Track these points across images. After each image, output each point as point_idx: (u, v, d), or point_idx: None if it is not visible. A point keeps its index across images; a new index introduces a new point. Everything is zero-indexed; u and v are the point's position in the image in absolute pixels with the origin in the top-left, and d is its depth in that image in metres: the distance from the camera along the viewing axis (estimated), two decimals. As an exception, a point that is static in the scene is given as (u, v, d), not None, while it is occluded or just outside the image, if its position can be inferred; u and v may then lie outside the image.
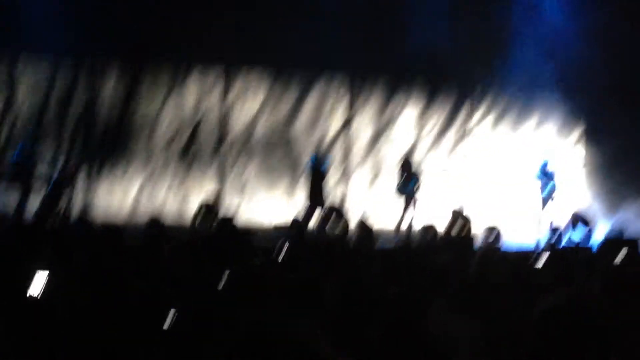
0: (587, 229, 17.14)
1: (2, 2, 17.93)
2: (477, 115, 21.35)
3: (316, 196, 17.94)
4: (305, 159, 18.97)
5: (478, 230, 17.14)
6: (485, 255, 11.46)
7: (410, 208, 17.99)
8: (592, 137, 21.09)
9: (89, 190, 19.33)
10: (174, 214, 19.16)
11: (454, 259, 7.70)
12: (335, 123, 20.90)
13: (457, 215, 17.01)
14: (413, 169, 18.18)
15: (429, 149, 21.12)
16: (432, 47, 19.26)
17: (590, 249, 16.53)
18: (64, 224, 15.65)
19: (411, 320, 4.65)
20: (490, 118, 21.30)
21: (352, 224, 17.32)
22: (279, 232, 17.65)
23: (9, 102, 18.95)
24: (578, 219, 17.25)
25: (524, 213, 19.05)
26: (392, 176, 18.84)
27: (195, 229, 17.02)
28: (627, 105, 19.93)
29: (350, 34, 19.35)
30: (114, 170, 19.53)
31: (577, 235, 17.05)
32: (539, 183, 18.64)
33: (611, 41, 19.45)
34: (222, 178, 20.20)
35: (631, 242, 14.89)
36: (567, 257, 12.06)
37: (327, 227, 17.17)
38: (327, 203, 17.88)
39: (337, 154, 20.75)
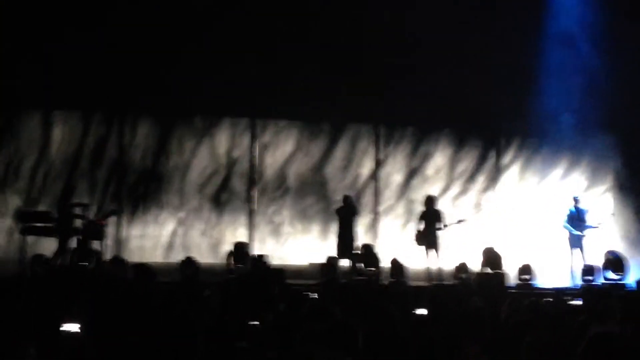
0: (621, 267, 16.98)
1: (36, 59, 18.14)
2: (506, 160, 21.27)
3: (348, 238, 17.92)
4: (336, 202, 18.99)
5: (511, 269, 17.15)
6: (518, 294, 11.40)
7: (441, 248, 17.89)
8: (621, 185, 20.96)
9: (123, 234, 19.47)
10: (208, 256, 19.23)
11: (487, 301, 7.65)
12: (366, 168, 20.91)
13: (489, 253, 16.96)
14: (440, 211, 18.08)
15: (459, 193, 21.08)
16: (460, 94, 19.33)
17: (625, 286, 16.40)
18: (99, 267, 15.75)
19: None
20: (520, 163, 21.21)
21: (385, 265, 17.38)
22: (313, 270, 17.71)
23: (44, 152, 19.17)
24: (612, 258, 17.11)
25: (556, 254, 18.90)
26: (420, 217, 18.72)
27: (229, 269, 17.13)
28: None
29: (376, 85, 19.47)
30: (147, 215, 19.65)
31: (612, 274, 16.89)
32: (571, 223, 18.50)
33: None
34: (254, 221, 20.26)
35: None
36: (605, 295, 11.99)
37: (360, 268, 17.17)
38: (360, 244, 17.84)
39: (368, 196, 20.76)
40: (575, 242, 17.92)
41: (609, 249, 17.65)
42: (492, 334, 6.41)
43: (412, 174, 20.96)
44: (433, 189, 20.40)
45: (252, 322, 6.98)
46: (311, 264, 18.19)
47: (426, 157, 21.00)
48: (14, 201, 18.87)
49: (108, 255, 16.66)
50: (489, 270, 16.59)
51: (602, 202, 20.83)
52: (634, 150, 20.08)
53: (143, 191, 19.70)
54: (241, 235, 19.84)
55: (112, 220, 17.76)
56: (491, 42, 19.31)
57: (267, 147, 20.36)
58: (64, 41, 17.99)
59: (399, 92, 19.49)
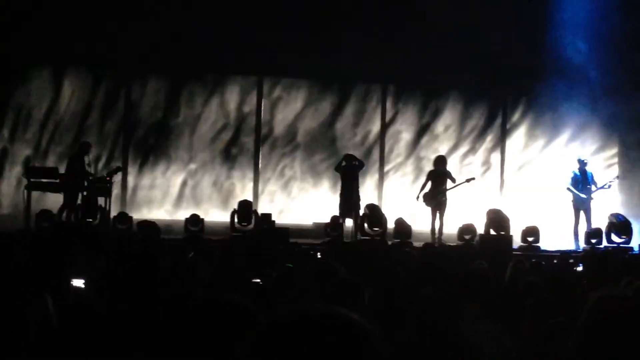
0: (625, 230, 16.98)
1: (47, 15, 18.27)
2: (515, 118, 21.23)
3: (353, 196, 17.88)
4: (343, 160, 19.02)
5: (516, 231, 17.16)
6: (523, 256, 11.44)
7: (446, 209, 17.85)
8: (627, 149, 20.89)
9: (131, 185, 19.63)
10: (216, 210, 19.34)
11: (491, 263, 7.66)
12: (376, 125, 20.90)
13: (494, 215, 16.96)
14: (449, 172, 18.00)
15: (465, 154, 21.05)
16: (469, 53, 19.29)
17: (629, 249, 16.44)
18: (104, 223, 15.82)
19: (443, 323, 4.66)
20: (527, 124, 21.16)
21: (390, 224, 17.39)
22: (318, 230, 17.75)
23: (54, 105, 19.32)
24: (616, 221, 17.10)
25: (561, 218, 18.90)
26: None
27: (234, 227, 17.19)
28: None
29: (386, 45, 19.44)
30: (156, 168, 19.77)
31: (616, 237, 16.90)
32: (575, 186, 18.45)
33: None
34: (265, 175, 20.34)
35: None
36: (609, 258, 12.02)
37: (366, 227, 17.19)
38: (364, 204, 17.81)
39: (378, 153, 20.77)
40: (580, 204, 17.90)
41: (613, 212, 17.64)
42: (495, 295, 6.43)
43: (422, 131, 20.93)
44: (442, 148, 20.44)
45: (254, 280, 7.01)
46: (315, 224, 18.23)
47: (436, 114, 20.96)
48: (24, 151, 19.08)
49: (114, 212, 16.75)
50: (493, 232, 16.63)
51: (608, 165, 20.79)
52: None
53: (153, 144, 19.81)
54: (250, 190, 19.97)
55: (117, 177, 17.79)
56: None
57: (276, 103, 20.39)
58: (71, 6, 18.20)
59: (407, 51, 19.43)
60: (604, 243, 16.75)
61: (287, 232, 15.83)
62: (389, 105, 20.88)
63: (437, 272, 7.06)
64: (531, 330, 5.19)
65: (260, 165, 20.28)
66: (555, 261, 12.00)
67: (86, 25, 18.14)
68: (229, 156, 20.22)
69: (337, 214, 17.40)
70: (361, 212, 17.20)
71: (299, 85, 20.45)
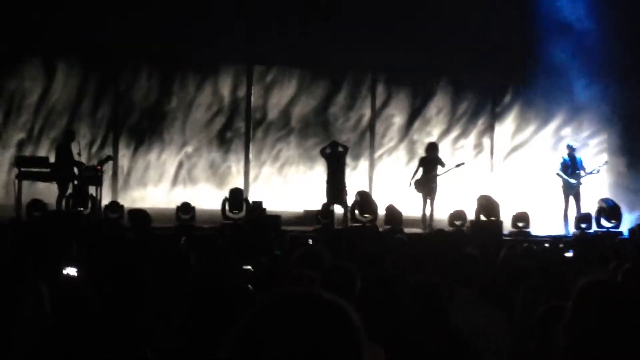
0: (615, 215, 17.04)
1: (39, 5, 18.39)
2: (505, 105, 21.22)
3: (339, 182, 17.88)
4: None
5: (506, 217, 17.22)
6: (514, 242, 11.49)
7: (436, 196, 17.87)
8: (615, 135, 20.90)
9: (123, 176, 19.68)
10: (210, 196, 19.35)
11: (482, 249, 7.70)
12: (368, 110, 20.92)
13: (484, 201, 17.01)
14: (439, 158, 18.01)
15: (455, 140, 21.07)
16: (460, 45, 19.34)
17: (618, 234, 16.50)
18: (95, 212, 15.81)
19: (435, 307, 4.68)
20: (517, 110, 21.15)
21: (381, 211, 17.41)
22: (309, 217, 17.75)
23: (47, 91, 19.39)
24: (606, 206, 17.17)
25: (551, 203, 18.93)
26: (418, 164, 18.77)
27: (225, 214, 17.17)
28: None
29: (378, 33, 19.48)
30: (150, 152, 19.84)
31: (605, 221, 16.96)
32: (565, 171, 18.48)
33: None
34: (255, 162, 20.38)
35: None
36: (598, 243, 12.08)
37: (357, 214, 17.20)
38: (354, 190, 17.81)
39: (365, 141, 20.79)
40: (569, 190, 17.95)
41: (602, 197, 17.70)
42: (487, 280, 6.46)
43: (414, 115, 20.92)
44: (435, 131, 20.51)
45: (245, 267, 7.03)
46: (306, 211, 18.23)
47: (427, 97, 20.95)
48: (17, 135, 19.15)
49: (105, 201, 16.75)
50: (483, 218, 16.68)
51: (598, 151, 20.81)
52: (631, 100, 19.99)
53: (146, 128, 19.87)
54: (243, 175, 20.05)
55: (107, 166, 17.77)
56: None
57: (269, 88, 20.43)
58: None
59: (397, 40, 19.43)
60: (594, 228, 16.83)
61: (279, 219, 15.86)
62: (380, 90, 20.89)
63: (429, 256, 7.08)
64: (524, 314, 5.22)
65: (251, 152, 20.31)
66: (546, 245, 12.05)
67: (78, 13, 18.15)
68: (223, 141, 20.28)
69: (326, 200, 17.42)
70: (352, 198, 17.22)
71: (291, 71, 20.46)
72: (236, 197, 17.21)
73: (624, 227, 16.89)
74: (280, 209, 17.71)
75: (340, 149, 17.92)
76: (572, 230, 17.13)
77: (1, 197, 18.39)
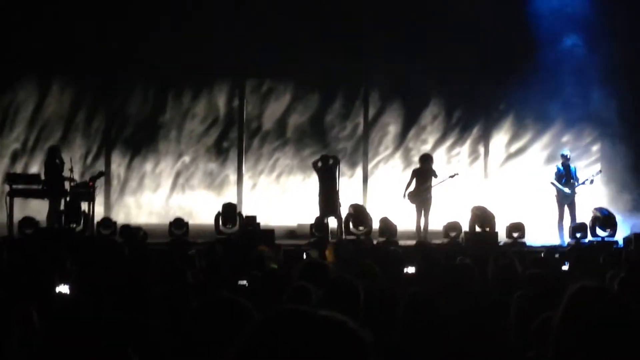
0: (610, 224, 17.02)
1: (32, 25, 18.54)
2: (500, 113, 21.18)
3: (332, 196, 17.85)
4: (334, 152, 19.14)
5: (501, 227, 17.18)
6: (508, 250, 11.45)
7: (431, 207, 17.84)
8: (609, 144, 20.90)
9: (118, 187, 19.74)
10: (204, 209, 19.33)
11: (477, 260, 7.67)
12: (360, 122, 20.94)
13: (479, 212, 16.98)
14: (432, 169, 17.99)
15: (449, 151, 21.05)
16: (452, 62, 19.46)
17: (613, 243, 16.48)
18: (88, 228, 15.77)
19: (430, 318, 4.66)
20: (512, 120, 21.13)
21: (375, 224, 17.36)
22: (303, 231, 17.72)
23: (41, 105, 19.51)
24: (601, 215, 17.15)
25: (546, 213, 18.90)
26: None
27: (219, 229, 17.13)
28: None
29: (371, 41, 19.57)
30: (145, 163, 19.90)
31: (600, 231, 16.94)
32: (559, 180, 18.46)
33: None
34: (250, 172, 20.43)
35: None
36: (593, 252, 12.05)
37: (351, 226, 17.16)
38: (351, 202, 17.79)
39: (361, 150, 20.79)
40: (564, 199, 17.95)
41: (597, 206, 17.68)
42: (480, 289, 6.44)
43: (409, 123, 20.91)
44: (430, 139, 20.56)
45: (240, 282, 7.00)
46: (300, 225, 18.20)
47: (422, 105, 20.95)
48: (12, 145, 19.40)
49: (99, 214, 16.73)
50: (478, 229, 16.65)
51: (594, 160, 20.78)
52: (625, 107, 19.99)
53: (141, 139, 19.97)
54: (241, 185, 20.15)
55: (100, 181, 17.73)
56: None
57: (264, 99, 20.51)
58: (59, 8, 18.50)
59: (391, 48, 19.45)
60: (589, 237, 16.80)
61: (272, 233, 15.84)
62: (375, 98, 20.92)
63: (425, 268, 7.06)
64: (518, 324, 5.20)
65: (247, 162, 20.38)
66: (542, 255, 12.01)
67: (73, 27, 18.37)
68: (219, 152, 20.41)
69: (320, 213, 17.40)
70: (346, 211, 17.20)
71: (285, 83, 20.51)
72: (230, 211, 17.18)
73: (619, 236, 16.87)
74: (275, 222, 17.70)
75: (331, 161, 17.90)
76: (567, 240, 17.11)
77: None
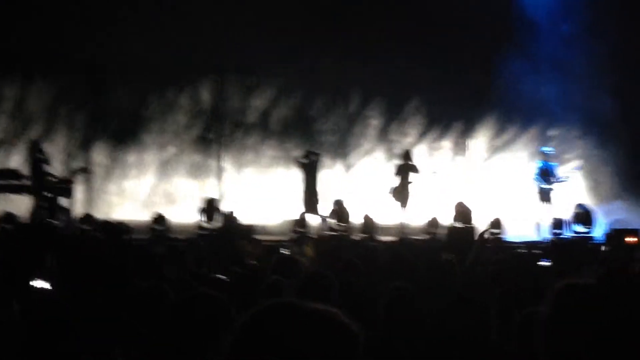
0: (590, 220, 17.11)
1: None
2: (483, 108, 21.22)
3: (315, 191, 17.88)
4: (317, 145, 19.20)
5: (481, 222, 17.21)
6: (486, 243, 11.50)
7: (409, 203, 17.90)
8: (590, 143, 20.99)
9: (96, 188, 19.66)
10: (186, 201, 19.32)
11: (458, 255, 7.69)
12: (343, 115, 20.96)
13: (460, 207, 17.02)
14: (413, 165, 18.03)
15: (430, 148, 21.09)
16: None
17: (593, 239, 16.56)
18: (68, 224, 15.72)
19: (411, 314, 4.67)
20: (497, 115, 21.16)
21: (356, 219, 17.40)
22: (284, 226, 17.72)
23: (21, 104, 19.42)
24: (581, 211, 17.23)
25: (525, 208, 18.97)
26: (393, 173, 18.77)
27: (200, 224, 17.11)
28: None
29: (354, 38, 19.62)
30: (128, 156, 19.89)
31: (580, 227, 17.03)
32: (541, 177, 18.54)
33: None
34: (234, 166, 20.42)
35: (633, 232, 15.01)
36: (573, 247, 12.12)
37: (331, 222, 17.19)
38: (334, 197, 17.84)
39: (343, 143, 20.82)
40: (545, 195, 18.03)
41: (578, 202, 17.78)
42: (461, 285, 6.46)
43: (391, 117, 20.93)
44: (413, 132, 20.58)
45: (220, 277, 6.99)
46: (283, 221, 18.21)
47: (406, 100, 20.97)
48: None
49: (79, 209, 16.69)
50: (459, 225, 16.68)
51: (577, 154, 20.85)
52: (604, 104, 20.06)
53: (124, 132, 19.95)
54: (222, 178, 20.15)
55: (80, 177, 17.70)
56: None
57: (248, 92, 20.50)
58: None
59: (374, 44, 19.48)
60: (568, 233, 16.89)
61: (253, 229, 15.84)
62: (357, 92, 20.89)
63: (405, 264, 7.07)
64: (500, 319, 5.21)
65: (228, 156, 20.37)
66: (522, 251, 12.08)
67: (56, 20, 18.38)
68: (203, 145, 20.44)
69: (302, 209, 17.44)
70: (329, 207, 17.25)
71: (269, 77, 20.49)
72: (211, 207, 17.16)
73: (598, 232, 16.96)
74: (257, 217, 17.72)
75: (314, 157, 17.92)
76: (546, 235, 17.19)
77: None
